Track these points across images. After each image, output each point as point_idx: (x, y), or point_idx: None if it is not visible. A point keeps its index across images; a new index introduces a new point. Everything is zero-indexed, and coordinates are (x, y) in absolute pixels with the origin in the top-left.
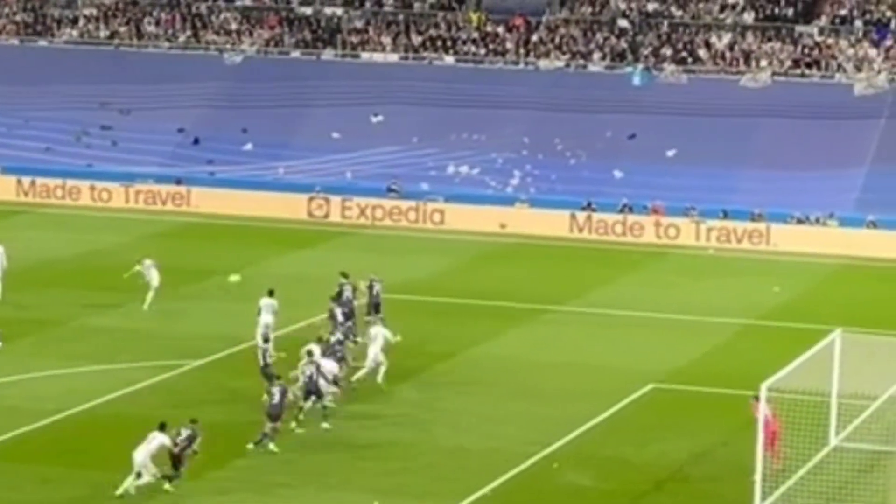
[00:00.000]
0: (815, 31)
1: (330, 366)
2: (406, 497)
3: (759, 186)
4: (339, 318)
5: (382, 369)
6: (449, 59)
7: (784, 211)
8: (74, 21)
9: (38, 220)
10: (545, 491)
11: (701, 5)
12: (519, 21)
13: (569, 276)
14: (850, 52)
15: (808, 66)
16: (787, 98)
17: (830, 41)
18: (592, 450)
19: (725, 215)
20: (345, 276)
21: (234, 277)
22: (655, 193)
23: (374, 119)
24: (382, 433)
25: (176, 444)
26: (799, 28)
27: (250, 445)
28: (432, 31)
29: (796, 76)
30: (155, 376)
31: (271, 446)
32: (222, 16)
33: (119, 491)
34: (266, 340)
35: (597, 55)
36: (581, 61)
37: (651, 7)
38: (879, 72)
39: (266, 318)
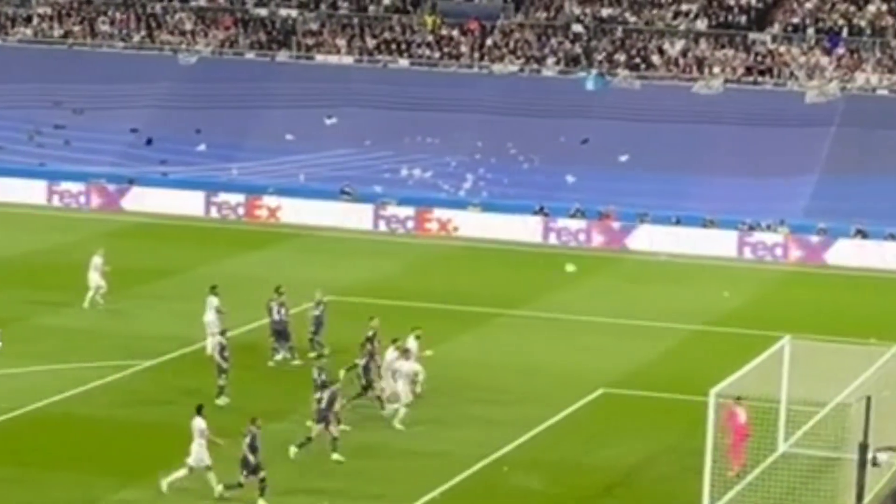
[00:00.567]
0: (768, 38)
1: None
2: (356, 499)
3: (710, 193)
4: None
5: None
6: (403, 63)
7: (735, 217)
8: (28, 20)
9: None
10: (495, 494)
11: (655, 12)
12: (474, 25)
13: (521, 280)
14: (802, 59)
15: (761, 73)
16: (739, 105)
17: (783, 49)
18: (542, 454)
19: (677, 221)
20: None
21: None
22: (608, 198)
23: (327, 121)
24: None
25: (251, 449)
26: (752, 35)
27: (293, 448)
28: (387, 34)
29: (748, 83)
30: (106, 376)
31: (335, 456)
32: (177, 16)
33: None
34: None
35: (551, 60)
36: (535, 66)
37: (605, 13)
38: (831, 80)
39: (207, 316)
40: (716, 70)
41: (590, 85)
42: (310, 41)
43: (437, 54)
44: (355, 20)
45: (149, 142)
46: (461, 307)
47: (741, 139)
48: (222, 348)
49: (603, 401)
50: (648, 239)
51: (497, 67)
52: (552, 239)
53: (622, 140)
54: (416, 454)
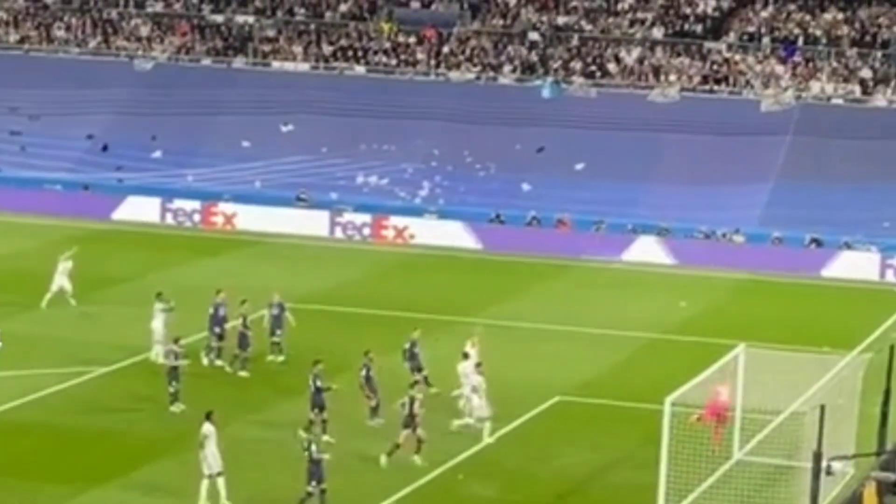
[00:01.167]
0: (724, 47)
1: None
2: None
3: (666, 201)
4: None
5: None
6: (360, 70)
7: (690, 226)
8: None
9: None
10: (449, 502)
11: (611, 20)
12: (430, 32)
13: (476, 287)
14: (758, 68)
15: (717, 81)
16: (694, 113)
17: (738, 58)
18: (497, 461)
19: (632, 229)
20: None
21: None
22: (563, 206)
23: (283, 128)
24: (289, 441)
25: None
26: (707, 44)
27: (383, 457)
28: (343, 41)
29: (704, 92)
30: (61, 383)
31: (416, 458)
32: (133, 22)
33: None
34: (176, 342)
35: (507, 68)
36: (491, 73)
37: (561, 21)
38: (786, 89)
39: (153, 323)
40: (672, 78)
41: (546, 93)
42: (266, 48)
43: (393, 62)
44: (312, 27)
45: (104, 148)
46: (417, 315)
47: (697, 147)
48: (175, 356)
49: (558, 409)
50: (602, 248)
51: (453, 75)
52: (504, 247)
53: (578, 148)
54: (371, 461)
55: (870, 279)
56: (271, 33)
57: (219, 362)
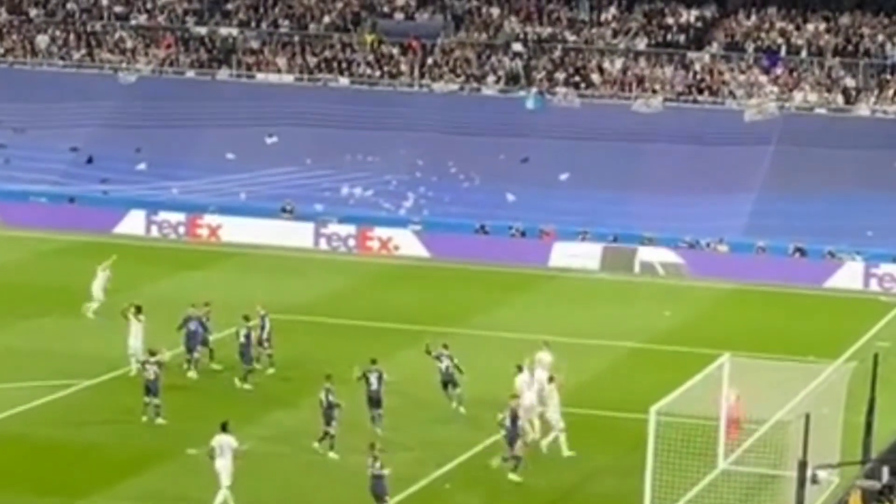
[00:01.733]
0: (707, 57)
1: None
2: None
3: (650, 211)
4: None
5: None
6: (344, 81)
7: (675, 235)
8: None
9: None
10: None
11: (594, 30)
12: (414, 43)
13: (460, 298)
14: (741, 78)
15: (700, 91)
16: (678, 123)
17: (722, 67)
18: (484, 472)
19: (615, 239)
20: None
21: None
22: (548, 217)
23: (268, 140)
24: (275, 454)
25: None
26: (690, 54)
27: (513, 476)
28: (327, 53)
29: (688, 102)
30: (48, 395)
31: (512, 476)
32: (117, 34)
33: None
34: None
35: (491, 78)
36: (475, 84)
37: (545, 31)
38: (769, 98)
39: (131, 340)
40: (655, 88)
41: (530, 104)
42: (250, 60)
43: (377, 73)
44: (296, 39)
45: (89, 160)
46: (402, 325)
47: (681, 157)
48: (148, 366)
49: (543, 420)
50: (587, 257)
51: (437, 86)
52: (490, 257)
53: (562, 158)
54: (357, 472)
55: (854, 288)
56: (255, 45)
57: (192, 374)
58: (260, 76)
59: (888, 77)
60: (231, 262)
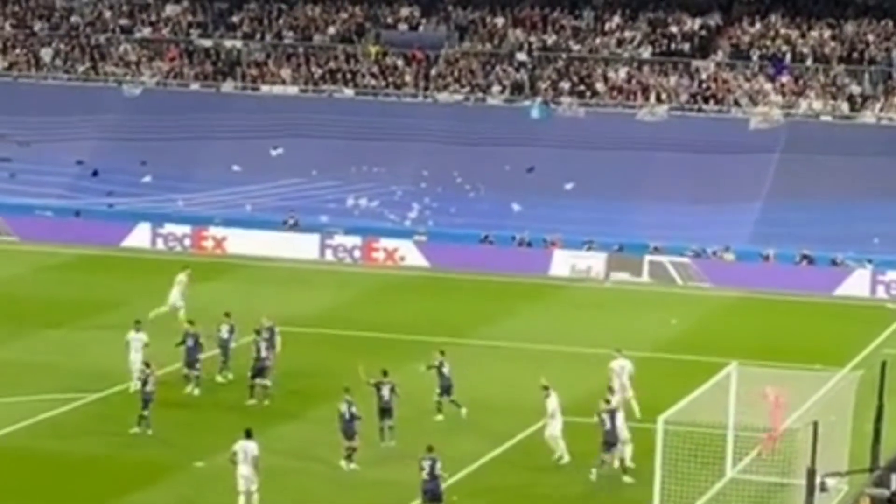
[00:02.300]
0: (712, 65)
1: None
2: None
3: (656, 220)
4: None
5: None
6: (348, 92)
7: (681, 244)
8: None
9: None
10: None
11: (598, 40)
12: (418, 54)
13: (466, 309)
14: (746, 86)
15: (705, 100)
16: (683, 132)
17: (726, 76)
18: (492, 482)
19: (621, 249)
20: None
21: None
22: (554, 227)
23: (273, 152)
24: (282, 464)
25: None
26: (695, 63)
27: (593, 472)
28: (332, 64)
29: (692, 110)
30: (52, 409)
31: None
32: (121, 47)
33: None
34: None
35: (495, 88)
36: (480, 94)
37: (549, 41)
38: (775, 106)
39: (132, 355)
40: (661, 97)
41: (534, 113)
42: (254, 72)
43: (381, 84)
44: (300, 50)
45: (95, 173)
46: (409, 336)
47: (686, 166)
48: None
49: None
50: (596, 266)
51: (442, 96)
52: (497, 267)
53: (567, 168)
54: (365, 483)
55: (861, 295)
56: (260, 57)
57: (196, 390)
58: (265, 88)
59: (893, 84)
60: (237, 274)
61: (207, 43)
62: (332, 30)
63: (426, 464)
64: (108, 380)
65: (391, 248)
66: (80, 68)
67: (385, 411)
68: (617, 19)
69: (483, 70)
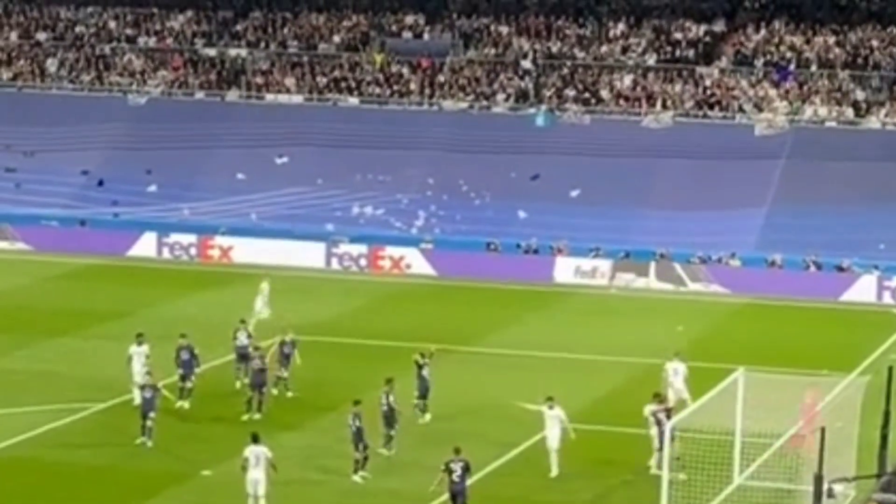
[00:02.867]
0: (716, 72)
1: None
2: None
3: (661, 226)
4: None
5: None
6: (353, 101)
7: (687, 251)
8: None
9: None
10: None
11: (603, 47)
12: (423, 62)
13: (472, 316)
14: (751, 92)
15: (710, 106)
16: (688, 138)
17: (731, 82)
18: (497, 491)
19: (627, 255)
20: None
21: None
22: (559, 234)
23: (278, 160)
24: (287, 472)
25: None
26: (700, 69)
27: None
28: (337, 73)
29: (698, 117)
30: (57, 420)
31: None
32: (126, 57)
33: None
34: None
35: (500, 96)
36: (485, 102)
37: (554, 48)
38: (779, 112)
39: (135, 367)
40: (666, 104)
41: (539, 121)
42: (259, 80)
43: (386, 92)
44: (304, 59)
45: (100, 183)
46: (415, 344)
47: (691, 172)
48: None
49: None
50: (602, 273)
51: (447, 104)
52: (503, 274)
53: (573, 175)
54: (367, 493)
55: (867, 301)
56: (264, 66)
57: (185, 404)
58: (269, 97)
59: None
60: (243, 282)
61: (212, 52)
62: (336, 38)
63: (456, 466)
64: (113, 390)
65: (397, 256)
66: (86, 78)
67: (388, 419)
68: (621, 27)
69: (488, 78)
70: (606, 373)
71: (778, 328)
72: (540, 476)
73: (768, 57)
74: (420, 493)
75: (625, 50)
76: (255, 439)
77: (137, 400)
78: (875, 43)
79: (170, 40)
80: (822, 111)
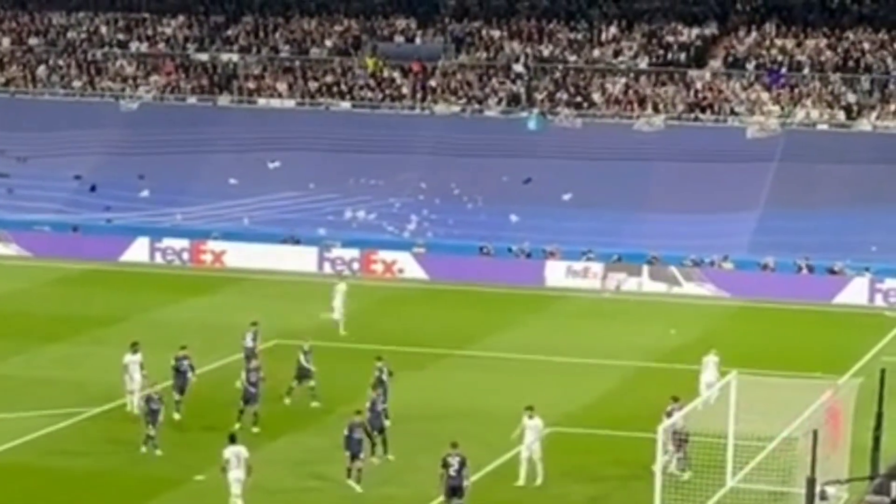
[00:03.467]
0: (708, 75)
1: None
2: None
3: (654, 230)
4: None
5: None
6: (345, 105)
7: (679, 254)
8: None
9: None
10: None
11: (595, 51)
12: (415, 66)
13: (465, 320)
14: (743, 95)
15: (701, 109)
16: (680, 142)
17: (723, 85)
18: (491, 495)
19: (619, 259)
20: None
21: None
22: (552, 237)
23: (271, 165)
24: (281, 480)
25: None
26: (691, 72)
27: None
28: (328, 77)
29: (689, 120)
30: (52, 425)
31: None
32: (118, 62)
33: None
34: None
35: (492, 100)
36: (477, 106)
37: (546, 52)
38: (771, 115)
39: (133, 375)
40: (657, 107)
41: (532, 125)
42: (251, 85)
43: (378, 96)
44: (296, 63)
45: (93, 188)
46: (408, 348)
47: (683, 176)
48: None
49: (551, 440)
50: (594, 276)
51: (439, 108)
52: (495, 278)
53: (565, 179)
54: (362, 498)
55: (859, 303)
56: (256, 70)
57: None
58: (261, 101)
59: (890, 92)
60: (236, 287)
61: (204, 57)
62: (328, 43)
63: (453, 460)
64: (108, 395)
65: (389, 261)
66: (77, 84)
67: (375, 426)
68: (613, 30)
69: (480, 82)
70: (599, 376)
71: (771, 331)
72: (533, 479)
73: (760, 60)
74: (415, 499)
75: (616, 53)
76: (233, 440)
77: (130, 407)
78: (866, 46)
79: (162, 45)
80: (814, 114)
